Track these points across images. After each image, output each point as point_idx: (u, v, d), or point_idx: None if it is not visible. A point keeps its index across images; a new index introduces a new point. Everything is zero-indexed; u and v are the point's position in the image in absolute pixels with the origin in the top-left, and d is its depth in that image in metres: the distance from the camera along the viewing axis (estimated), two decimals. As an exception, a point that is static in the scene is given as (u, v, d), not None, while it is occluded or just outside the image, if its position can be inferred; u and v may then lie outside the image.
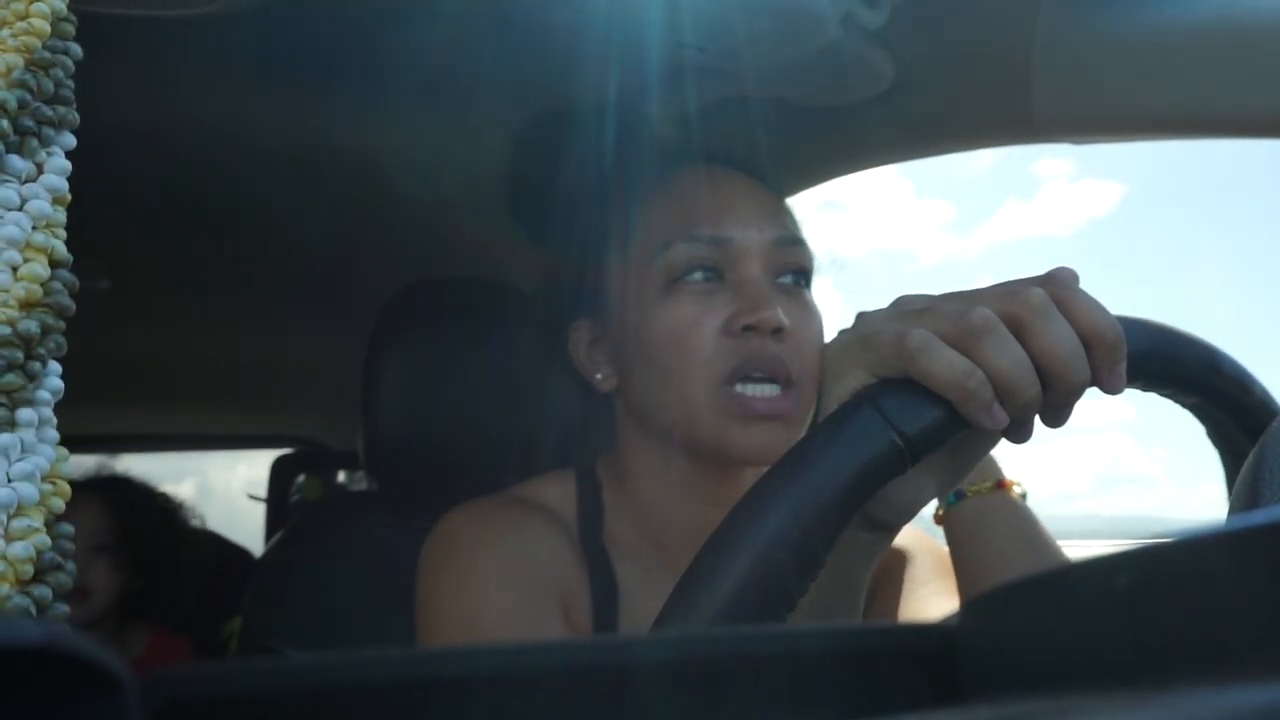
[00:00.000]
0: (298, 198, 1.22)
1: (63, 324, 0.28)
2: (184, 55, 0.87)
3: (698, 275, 0.67)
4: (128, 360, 1.83)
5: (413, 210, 1.25)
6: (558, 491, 0.74)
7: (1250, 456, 0.36)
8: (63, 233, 0.29)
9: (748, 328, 0.64)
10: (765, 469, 0.72)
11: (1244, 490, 0.35)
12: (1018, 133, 0.83)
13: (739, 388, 0.64)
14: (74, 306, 0.28)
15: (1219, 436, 0.53)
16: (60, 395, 0.27)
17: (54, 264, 0.28)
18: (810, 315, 0.69)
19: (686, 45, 0.81)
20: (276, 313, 1.67)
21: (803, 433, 0.67)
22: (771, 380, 0.64)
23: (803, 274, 0.70)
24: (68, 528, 0.27)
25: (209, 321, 1.70)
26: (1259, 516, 0.18)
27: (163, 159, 1.08)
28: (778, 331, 0.64)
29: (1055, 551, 0.64)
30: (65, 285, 0.28)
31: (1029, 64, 0.76)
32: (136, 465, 1.67)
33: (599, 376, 0.72)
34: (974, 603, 0.22)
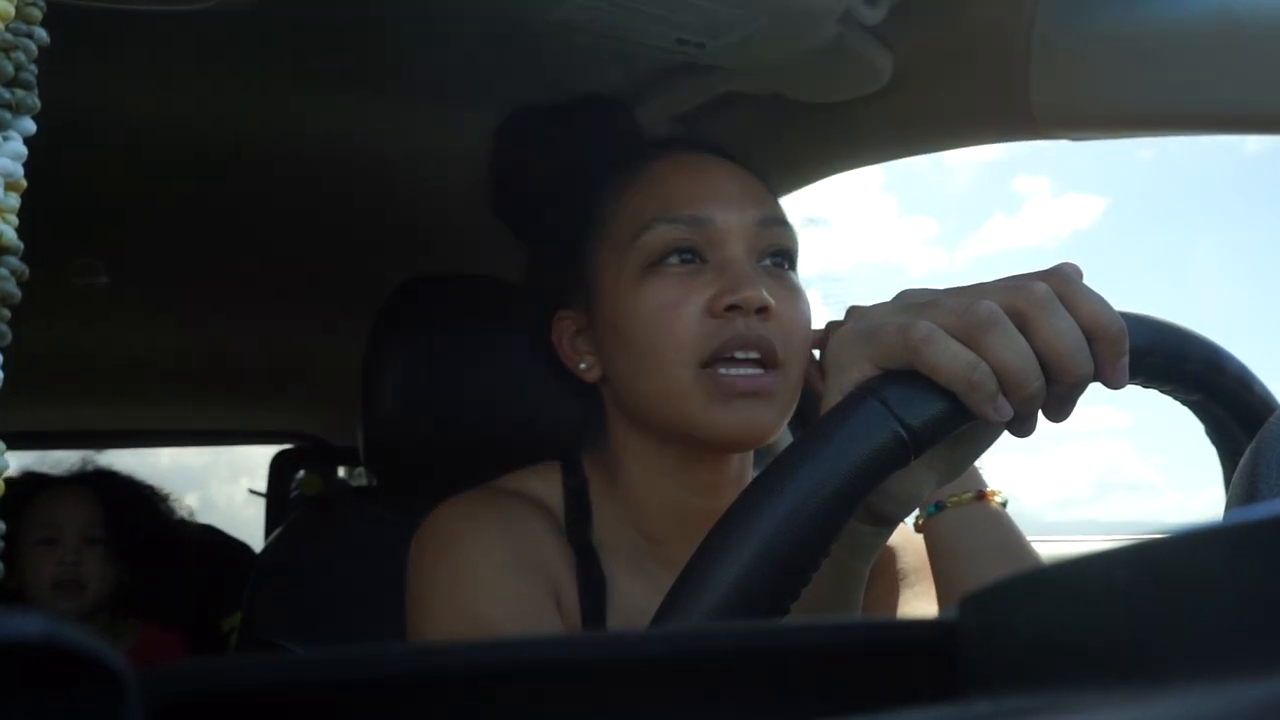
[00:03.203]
0: (297, 193, 1.22)
1: (8, 313, 0.28)
2: (183, 51, 0.87)
3: (678, 257, 0.66)
4: (127, 356, 1.83)
5: (413, 205, 1.25)
6: (543, 484, 0.73)
7: (1248, 452, 0.36)
8: (14, 219, 0.28)
9: (731, 307, 0.63)
10: (751, 453, 0.73)
11: (1241, 485, 0.35)
12: (1016, 129, 0.83)
13: (721, 369, 0.64)
14: (19, 294, 0.28)
15: (1218, 434, 0.53)
16: None
17: (2, 250, 0.28)
18: (796, 296, 0.68)
19: (686, 41, 0.81)
20: (277, 308, 1.67)
21: (789, 415, 0.67)
22: (756, 359, 0.64)
23: (786, 255, 0.69)
24: (0, 525, 0.27)
25: (209, 317, 1.69)
26: (1257, 511, 0.18)
27: (162, 156, 1.08)
28: (762, 311, 0.64)
29: (1035, 563, 0.64)
30: (13, 272, 0.28)
31: (1027, 60, 0.76)
32: (138, 473, 1.68)
33: (583, 366, 0.72)
34: (972, 597, 0.22)
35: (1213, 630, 0.17)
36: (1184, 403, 0.52)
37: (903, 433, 0.41)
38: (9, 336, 0.27)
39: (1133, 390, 0.48)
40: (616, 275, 0.68)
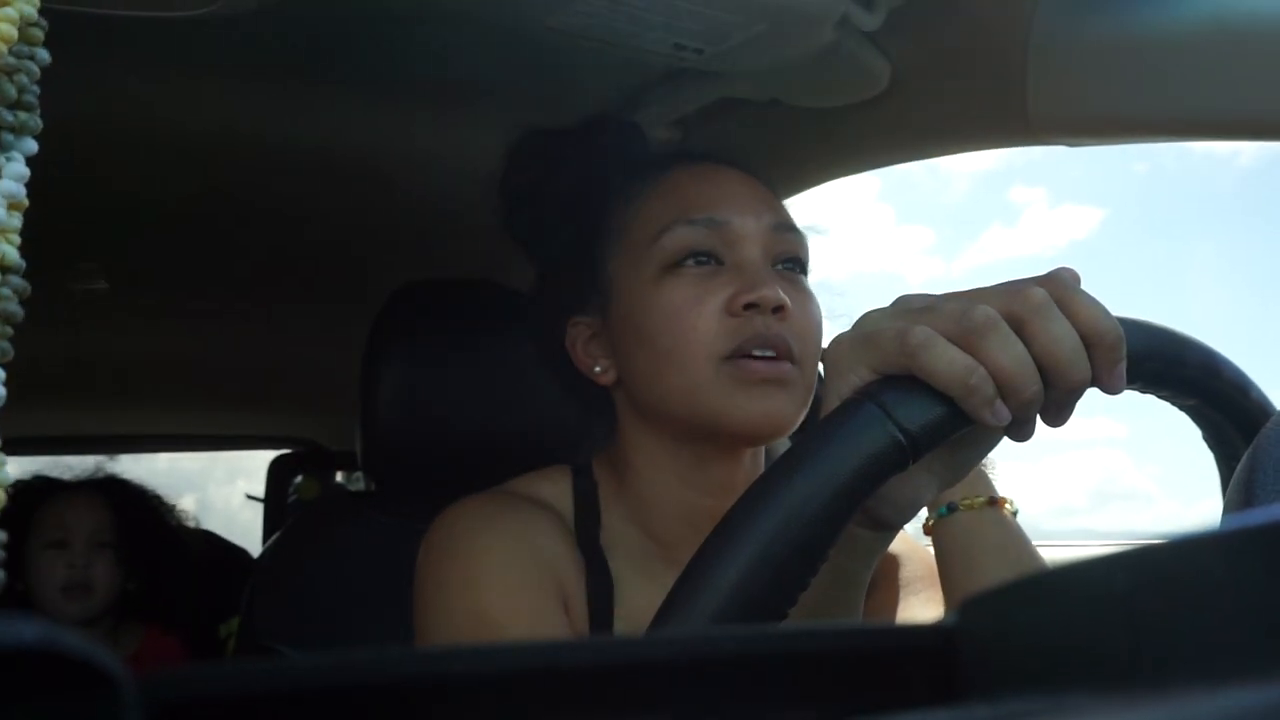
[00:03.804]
0: (296, 198, 1.22)
1: (10, 330, 0.28)
2: (184, 56, 0.87)
3: (694, 259, 0.68)
4: (125, 361, 1.83)
5: (412, 210, 1.25)
6: (553, 487, 0.74)
7: (1245, 457, 0.36)
8: (16, 238, 0.29)
9: (749, 306, 0.65)
10: (764, 449, 0.73)
11: (1239, 491, 0.35)
12: (1013, 134, 0.83)
13: (741, 360, 0.65)
14: (22, 313, 0.28)
15: (1215, 439, 0.53)
16: (3, 402, 0.27)
17: (4, 269, 0.28)
18: (809, 298, 0.70)
19: (684, 47, 0.81)
20: (275, 312, 1.67)
21: (805, 410, 0.68)
22: (773, 357, 0.65)
23: (798, 260, 0.71)
24: (2, 535, 0.27)
25: (206, 321, 1.69)
26: (1254, 516, 0.18)
27: (161, 160, 1.08)
28: (779, 310, 0.65)
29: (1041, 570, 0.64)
30: (16, 291, 0.28)
31: (1024, 66, 0.77)
32: (136, 476, 1.70)
33: (598, 370, 0.73)
34: (972, 602, 0.22)
35: (1211, 635, 0.17)
36: (1181, 408, 0.52)
37: (900, 437, 0.41)
38: (10, 353, 0.27)
39: (1130, 400, 0.48)
40: (635, 277, 0.70)
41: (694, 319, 0.66)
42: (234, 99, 0.97)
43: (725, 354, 0.65)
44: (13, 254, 0.28)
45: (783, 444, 0.91)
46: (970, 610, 0.22)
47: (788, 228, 0.71)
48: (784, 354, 0.65)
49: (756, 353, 0.65)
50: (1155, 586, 0.18)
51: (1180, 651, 0.18)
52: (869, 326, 0.44)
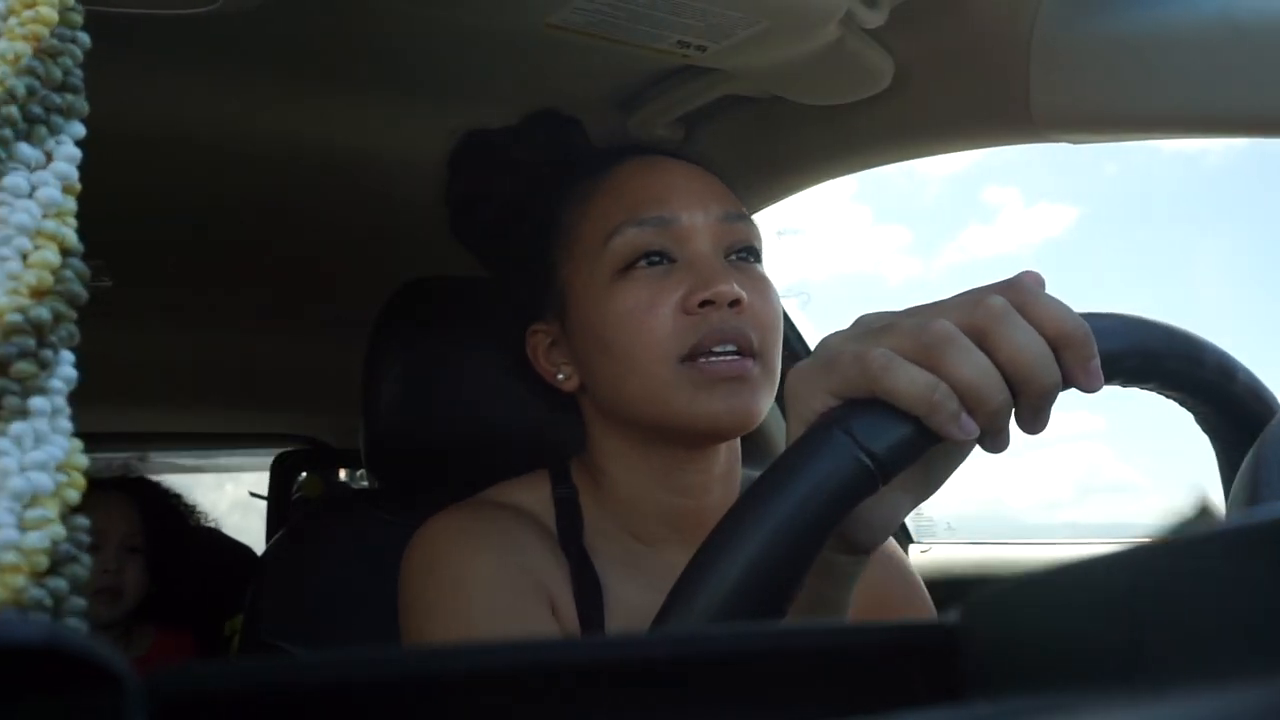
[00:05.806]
0: (298, 196, 1.22)
1: (74, 313, 0.28)
2: (185, 55, 0.87)
3: (647, 260, 0.67)
4: (129, 359, 1.83)
5: (413, 209, 1.25)
6: (531, 494, 0.73)
7: (1249, 455, 0.36)
8: (73, 220, 0.29)
9: (705, 303, 0.64)
10: (738, 450, 0.72)
11: (1242, 489, 0.35)
12: (1016, 132, 0.83)
13: (701, 360, 0.64)
14: (86, 295, 0.28)
15: (1207, 424, 0.53)
16: (73, 384, 0.27)
17: (65, 252, 0.28)
18: (766, 288, 0.69)
19: (687, 44, 0.81)
20: (277, 310, 1.67)
21: (770, 402, 0.67)
22: (734, 351, 0.65)
23: (751, 249, 0.71)
24: (83, 520, 0.27)
25: (210, 319, 1.70)
26: (1257, 515, 0.18)
27: (164, 158, 1.08)
28: (735, 304, 0.65)
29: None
30: (77, 273, 0.28)
31: (1028, 63, 0.76)
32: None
33: (560, 377, 0.73)
34: (974, 601, 0.22)
35: (1213, 633, 0.17)
36: (1168, 398, 0.51)
37: (868, 461, 0.40)
38: (78, 336, 0.28)
39: (1105, 393, 0.47)
40: (588, 282, 0.69)
41: (650, 321, 0.65)
42: (234, 98, 0.97)
43: (684, 354, 0.65)
44: (72, 236, 0.28)
45: (780, 437, 0.90)
46: (972, 609, 0.22)
47: (738, 217, 0.70)
48: (744, 348, 0.65)
49: (716, 349, 0.64)
50: (1158, 585, 0.18)
51: (1182, 650, 0.18)
52: (828, 352, 0.44)
